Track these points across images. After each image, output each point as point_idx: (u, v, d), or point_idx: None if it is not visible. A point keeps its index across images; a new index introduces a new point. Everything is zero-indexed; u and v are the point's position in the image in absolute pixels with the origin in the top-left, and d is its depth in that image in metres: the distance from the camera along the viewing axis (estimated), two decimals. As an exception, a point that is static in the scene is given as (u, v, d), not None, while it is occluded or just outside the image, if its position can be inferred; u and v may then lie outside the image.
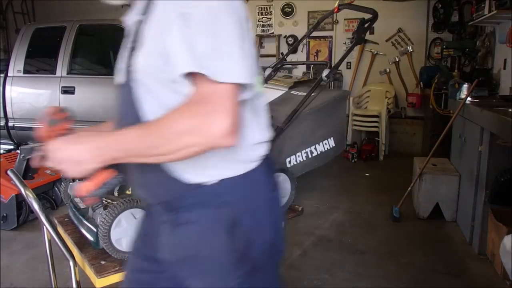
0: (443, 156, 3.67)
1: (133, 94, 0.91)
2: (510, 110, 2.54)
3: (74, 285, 1.31)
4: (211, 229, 0.94)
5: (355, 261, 2.76)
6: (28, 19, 7.26)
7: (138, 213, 1.24)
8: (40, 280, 2.50)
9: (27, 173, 3.43)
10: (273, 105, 1.91)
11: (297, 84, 3.89)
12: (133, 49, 0.90)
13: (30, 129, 4.60)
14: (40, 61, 4.80)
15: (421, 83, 5.56)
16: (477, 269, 2.65)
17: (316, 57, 6.37)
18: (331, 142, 1.78)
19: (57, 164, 0.87)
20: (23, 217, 3.33)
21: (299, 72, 6.23)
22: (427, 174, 3.33)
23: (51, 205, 3.58)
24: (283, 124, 1.58)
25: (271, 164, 1.04)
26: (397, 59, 5.92)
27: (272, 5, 6.45)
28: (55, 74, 4.45)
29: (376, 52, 6.00)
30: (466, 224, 3.01)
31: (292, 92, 2.02)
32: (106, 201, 1.27)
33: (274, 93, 2.29)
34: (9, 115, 4.65)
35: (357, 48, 5.98)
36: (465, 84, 3.38)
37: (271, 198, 1.02)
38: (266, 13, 6.51)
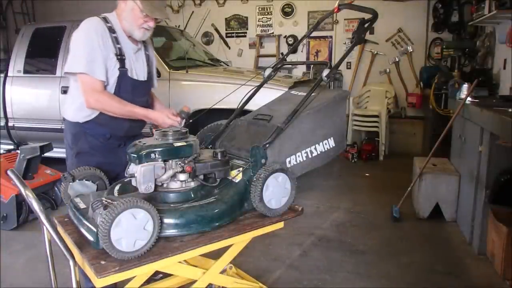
0: (443, 156, 3.67)
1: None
2: (510, 110, 2.55)
3: (74, 285, 1.30)
4: None
5: (355, 261, 2.76)
6: (28, 19, 7.26)
7: (138, 213, 1.23)
8: (40, 280, 2.50)
9: (27, 173, 3.43)
10: (273, 105, 1.91)
11: (297, 84, 3.89)
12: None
13: (30, 129, 4.60)
14: (40, 61, 4.79)
15: (421, 83, 5.57)
16: (477, 269, 2.65)
17: (316, 57, 6.37)
18: (331, 142, 1.77)
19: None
20: (23, 217, 3.33)
21: (299, 72, 6.23)
22: (427, 174, 3.33)
23: (51, 205, 3.58)
24: (283, 124, 1.58)
25: None
26: (397, 59, 5.92)
27: (272, 5, 6.45)
28: (55, 74, 4.45)
29: (376, 52, 6.00)
30: (466, 224, 3.01)
31: (292, 92, 2.01)
32: (106, 201, 1.27)
33: (274, 93, 2.28)
34: (9, 115, 4.64)
35: (357, 48, 5.99)
36: (465, 84, 3.38)
37: None
38: (266, 13, 6.51)
